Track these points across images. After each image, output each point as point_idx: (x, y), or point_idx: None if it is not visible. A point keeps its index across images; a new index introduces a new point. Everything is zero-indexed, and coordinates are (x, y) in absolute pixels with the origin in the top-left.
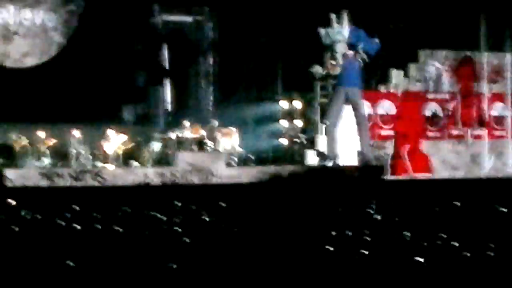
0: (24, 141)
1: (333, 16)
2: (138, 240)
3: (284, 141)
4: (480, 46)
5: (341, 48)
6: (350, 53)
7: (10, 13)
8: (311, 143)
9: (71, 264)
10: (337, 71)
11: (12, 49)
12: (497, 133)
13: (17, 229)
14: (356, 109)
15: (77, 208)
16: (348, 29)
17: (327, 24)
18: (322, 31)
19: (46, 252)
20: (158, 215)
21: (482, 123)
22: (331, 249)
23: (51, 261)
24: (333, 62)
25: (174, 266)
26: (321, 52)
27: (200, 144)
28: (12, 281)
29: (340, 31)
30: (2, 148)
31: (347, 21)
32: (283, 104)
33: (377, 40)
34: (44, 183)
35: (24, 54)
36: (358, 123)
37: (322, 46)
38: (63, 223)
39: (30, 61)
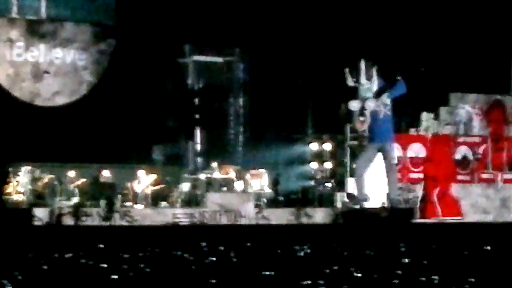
0: (54, 180)
1: (362, 70)
2: (165, 281)
3: (313, 183)
4: (511, 90)
5: (370, 104)
6: (380, 109)
7: (41, 51)
8: (341, 185)
9: None
10: (365, 127)
11: (42, 88)
12: None
13: (45, 267)
14: (386, 157)
15: (103, 246)
16: (377, 84)
17: (355, 67)
18: (351, 83)
19: None
20: (186, 256)
21: None
22: None
23: None
24: (362, 119)
25: None
26: (351, 94)
27: (229, 185)
28: None
29: (369, 87)
30: (31, 186)
31: (376, 75)
32: (313, 146)
33: (401, 81)
34: (72, 222)
35: (54, 93)
36: (388, 168)
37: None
38: (90, 262)
39: (60, 100)
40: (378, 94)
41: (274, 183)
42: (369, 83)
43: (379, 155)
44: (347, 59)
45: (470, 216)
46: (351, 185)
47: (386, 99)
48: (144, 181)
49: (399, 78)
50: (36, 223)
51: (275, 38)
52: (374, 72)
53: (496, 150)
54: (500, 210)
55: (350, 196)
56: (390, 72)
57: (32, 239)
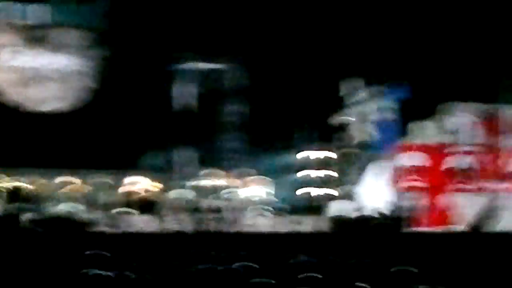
0: (46, 186)
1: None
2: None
3: (314, 191)
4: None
5: (371, 116)
6: (380, 116)
7: (36, 57)
8: (342, 193)
9: None
10: (366, 137)
11: (36, 93)
12: None
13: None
14: (385, 166)
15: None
16: (377, 101)
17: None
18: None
19: None
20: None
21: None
22: None
23: None
24: (360, 127)
25: None
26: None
27: (232, 192)
28: None
29: (369, 104)
30: (24, 192)
31: (377, 91)
32: (310, 154)
33: (404, 85)
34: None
35: (48, 98)
36: (387, 177)
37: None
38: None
39: (54, 106)
40: (378, 99)
41: (271, 190)
42: (369, 99)
43: (377, 163)
44: (344, 66)
45: (463, 224)
46: (352, 194)
47: (387, 103)
48: (141, 187)
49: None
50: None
51: (273, 45)
52: (374, 91)
53: (490, 160)
54: (491, 219)
55: (351, 204)
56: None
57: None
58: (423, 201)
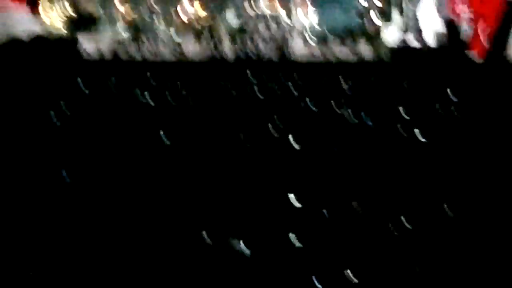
0: (100, 10)
1: None
2: (212, 113)
3: (362, 17)
4: None
5: None
6: None
7: None
8: (387, 18)
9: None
10: None
11: None
12: None
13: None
14: None
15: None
16: None
17: None
18: None
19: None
20: (233, 90)
21: None
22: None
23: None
24: None
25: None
26: None
27: (277, 19)
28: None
29: None
30: (78, 17)
31: None
32: None
33: None
34: (121, 55)
35: None
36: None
37: None
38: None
39: None
40: None
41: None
42: None
43: None
44: None
45: None
46: (399, 20)
47: None
48: (190, 10)
49: None
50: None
51: None
52: None
53: None
54: None
55: (399, 30)
56: None
57: (80, 72)
58: (476, 30)
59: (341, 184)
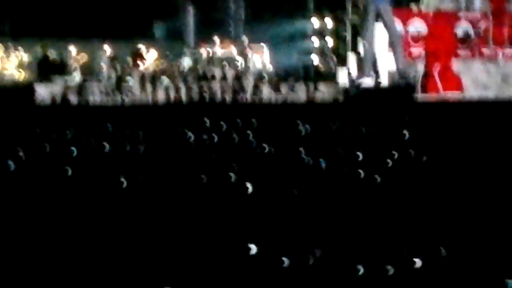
0: (55, 56)
1: None
2: (168, 158)
3: (314, 59)
4: None
5: None
6: None
7: None
8: (342, 61)
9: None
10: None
11: None
12: None
13: (48, 147)
14: (388, 26)
15: (109, 125)
16: None
17: None
18: None
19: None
20: (189, 133)
21: None
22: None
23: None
24: None
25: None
26: None
27: (231, 61)
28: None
29: None
30: (33, 62)
31: None
32: (314, 22)
33: None
34: (74, 99)
35: None
36: (392, 41)
37: None
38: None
39: None
40: None
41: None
42: None
43: (381, 26)
44: None
45: (471, 91)
46: (352, 61)
47: None
48: (145, 56)
49: None
50: (39, 101)
51: None
52: None
53: (497, 26)
54: (500, 86)
55: (351, 72)
56: None
57: (35, 118)
58: (429, 68)
59: (301, 230)
